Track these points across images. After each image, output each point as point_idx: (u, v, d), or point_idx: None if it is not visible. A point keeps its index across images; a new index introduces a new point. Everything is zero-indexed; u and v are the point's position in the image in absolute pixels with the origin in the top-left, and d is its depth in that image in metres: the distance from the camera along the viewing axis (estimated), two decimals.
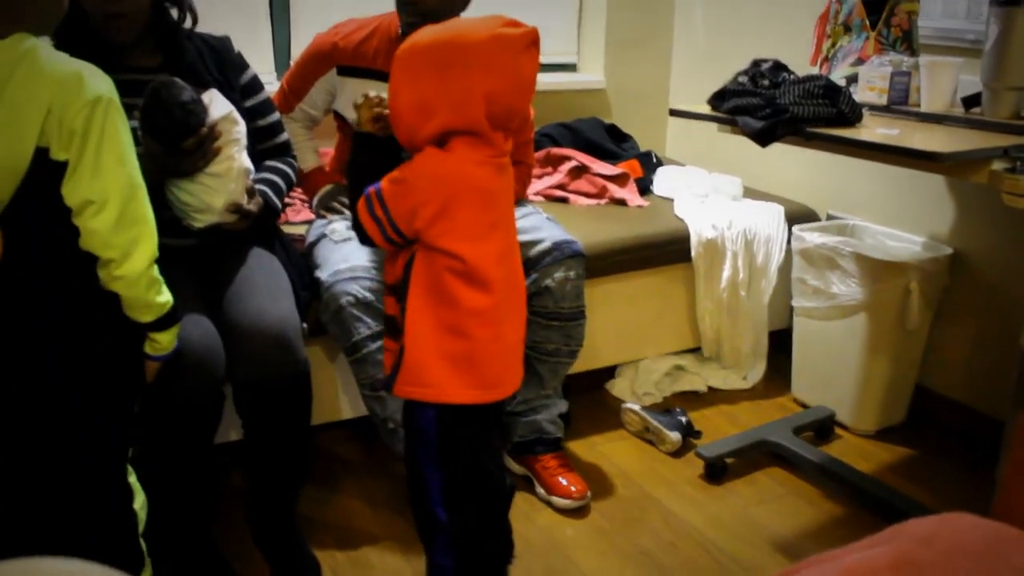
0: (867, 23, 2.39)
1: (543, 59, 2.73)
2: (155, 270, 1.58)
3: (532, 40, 1.61)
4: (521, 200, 2.58)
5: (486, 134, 1.61)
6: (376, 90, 1.74)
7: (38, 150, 1.42)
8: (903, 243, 2.81)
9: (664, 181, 3.27)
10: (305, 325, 2.07)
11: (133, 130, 1.56)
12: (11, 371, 1.52)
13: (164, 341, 1.66)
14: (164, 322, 1.63)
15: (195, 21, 2.09)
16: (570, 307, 2.36)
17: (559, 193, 3.15)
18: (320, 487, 2.43)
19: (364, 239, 1.68)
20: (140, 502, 1.70)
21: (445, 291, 1.62)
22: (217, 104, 1.97)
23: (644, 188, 3.24)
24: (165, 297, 1.62)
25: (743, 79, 2.26)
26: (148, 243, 1.54)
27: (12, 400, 1.54)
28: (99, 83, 1.46)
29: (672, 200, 3.14)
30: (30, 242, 1.43)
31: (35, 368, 1.51)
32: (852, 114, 2.06)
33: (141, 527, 1.73)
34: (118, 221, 1.48)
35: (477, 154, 1.62)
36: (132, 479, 1.70)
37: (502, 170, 1.68)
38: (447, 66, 1.56)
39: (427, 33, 1.61)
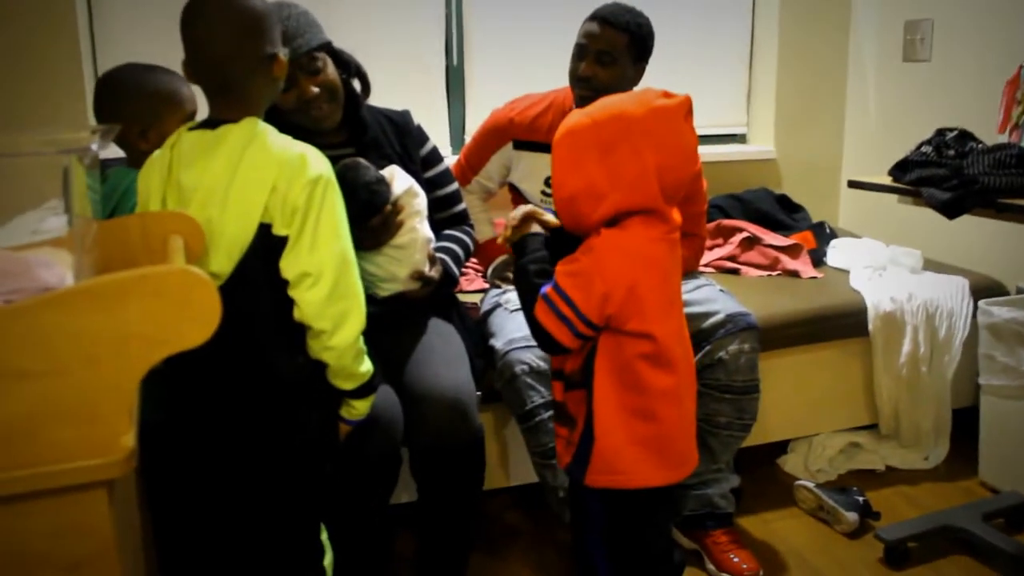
0: None
1: (713, 130, 2.75)
2: (361, 341, 1.65)
3: (688, 109, 1.60)
4: (693, 272, 2.57)
5: (661, 209, 1.60)
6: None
7: (261, 226, 1.51)
8: None
9: (839, 253, 3.19)
10: (479, 393, 2.10)
11: None
12: (227, 431, 1.60)
13: (361, 408, 1.72)
14: (364, 390, 1.69)
15: (368, 91, 2.19)
16: (744, 380, 2.32)
17: (730, 264, 3.12)
18: (486, 553, 2.44)
19: (550, 346, 1.63)
20: (328, 560, 1.75)
21: (633, 376, 1.60)
22: (399, 179, 2.06)
23: (817, 260, 3.17)
24: (367, 366, 1.68)
25: (927, 149, 2.20)
26: (357, 316, 1.61)
27: (227, 459, 1.62)
28: (319, 164, 1.54)
29: (847, 272, 3.07)
30: (249, 314, 1.51)
31: (248, 431, 1.60)
32: None
33: None
34: (331, 293, 1.54)
35: (653, 231, 1.60)
36: (324, 537, 1.76)
37: (675, 246, 1.67)
38: (612, 146, 1.55)
39: (581, 115, 1.60)
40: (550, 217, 1.74)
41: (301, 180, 1.50)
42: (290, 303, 1.56)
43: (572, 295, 1.58)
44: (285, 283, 1.54)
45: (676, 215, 1.67)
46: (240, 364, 1.57)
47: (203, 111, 1.66)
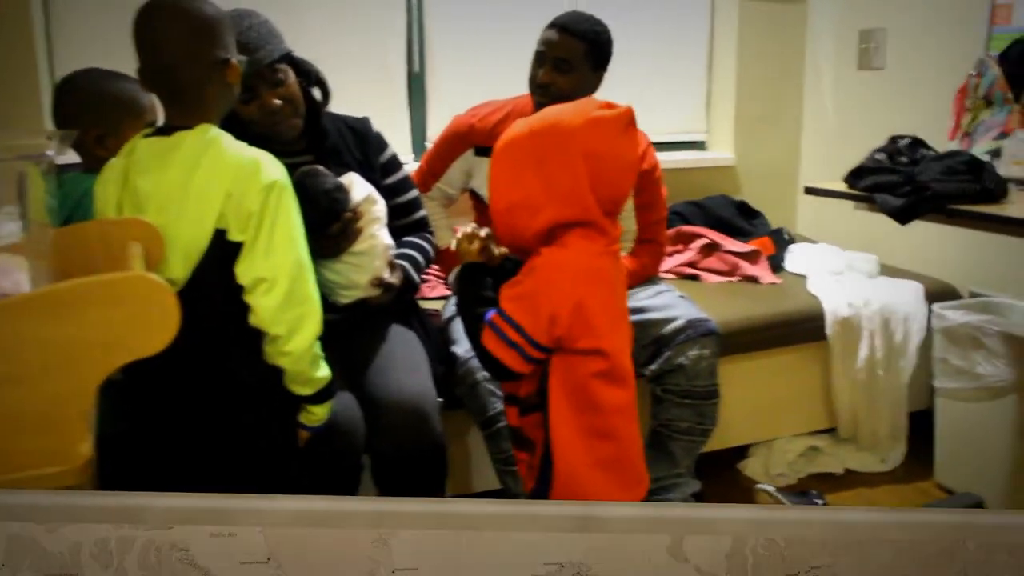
0: (1010, 96, 2.35)
1: (672, 137, 2.75)
2: (318, 347, 1.65)
3: (629, 120, 1.58)
4: (653, 278, 2.59)
5: (598, 222, 1.57)
6: None
7: (216, 232, 1.51)
8: None
9: (797, 258, 3.22)
10: (440, 399, 2.10)
11: None
12: (188, 438, 1.59)
13: (319, 413, 1.71)
14: (321, 396, 1.69)
15: (328, 99, 2.19)
16: (704, 385, 2.33)
17: (690, 271, 3.14)
18: None
19: (502, 373, 1.60)
20: None
21: (588, 395, 1.57)
22: (357, 186, 2.05)
23: (776, 265, 3.20)
24: (324, 372, 1.68)
25: (880, 156, 2.25)
26: (313, 321, 1.61)
27: (189, 466, 1.61)
28: (274, 170, 1.55)
29: (805, 277, 3.10)
30: (204, 320, 1.50)
31: (210, 437, 1.59)
32: (997, 189, 2.02)
33: None
34: (287, 299, 1.54)
35: (594, 245, 1.58)
36: None
37: (616, 258, 1.65)
38: (547, 157, 1.53)
39: (521, 126, 1.59)
40: (498, 249, 1.72)
41: (256, 186, 1.50)
42: (247, 309, 1.55)
43: (518, 319, 1.55)
44: (241, 289, 1.54)
45: (616, 228, 1.64)
46: (199, 370, 1.56)
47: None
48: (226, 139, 1.56)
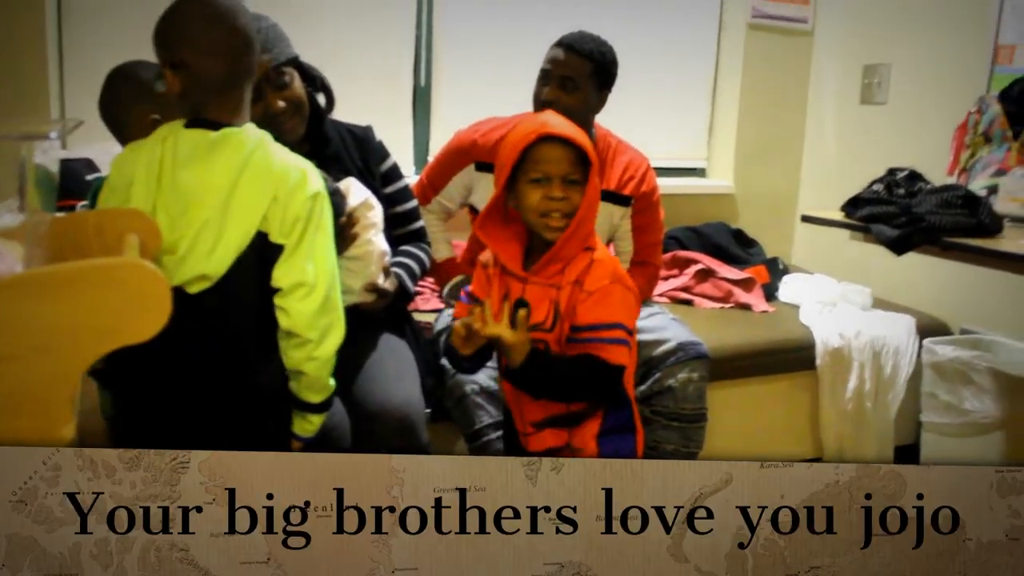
0: (1009, 134, 2.37)
1: (673, 163, 2.78)
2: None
3: None
4: (647, 300, 2.60)
5: None
6: None
7: (258, 233, 1.53)
8: None
9: (791, 288, 3.24)
10: (428, 410, 2.10)
11: None
12: (201, 431, 1.59)
13: (317, 423, 1.71)
14: (327, 404, 1.70)
15: (332, 106, 2.21)
16: (692, 409, 2.34)
17: (684, 295, 3.15)
18: None
19: (615, 385, 1.66)
20: None
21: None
22: (354, 191, 2.06)
23: (770, 294, 3.22)
24: (333, 381, 1.70)
25: (878, 187, 2.26)
26: (340, 328, 1.64)
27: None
28: (318, 180, 1.59)
29: (798, 307, 3.11)
30: (232, 318, 1.54)
31: (223, 434, 1.59)
32: (992, 225, 2.03)
33: None
34: (323, 304, 1.58)
35: None
36: None
37: None
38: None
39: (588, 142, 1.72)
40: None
41: (303, 194, 1.54)
42: (273, 311, 1.58)
43: (628, 323, 1.64)
44: (272, 291, 1.57)
45: None
46: (220, 366, 1.57)
47: None
48: (271, 141, 1.58)
